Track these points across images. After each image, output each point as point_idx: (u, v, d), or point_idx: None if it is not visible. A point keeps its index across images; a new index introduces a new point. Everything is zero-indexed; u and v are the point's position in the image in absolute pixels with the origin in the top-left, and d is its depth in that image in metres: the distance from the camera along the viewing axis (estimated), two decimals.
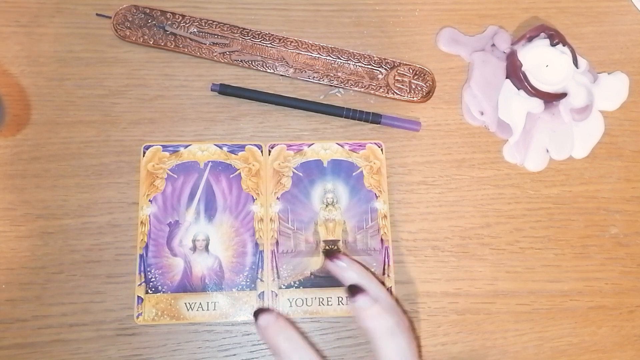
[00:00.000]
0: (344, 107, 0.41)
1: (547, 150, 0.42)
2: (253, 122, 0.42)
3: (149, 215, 0.39)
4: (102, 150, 0.40)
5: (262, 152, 0.41)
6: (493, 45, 0.44)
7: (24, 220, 0.38)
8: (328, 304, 0.38)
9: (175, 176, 0.40)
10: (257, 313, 0.33)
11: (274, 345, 0.32)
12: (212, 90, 0.41)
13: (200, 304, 0.38)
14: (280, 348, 0.32)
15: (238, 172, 0.40)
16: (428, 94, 0.43)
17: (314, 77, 0.42)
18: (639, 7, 0.47)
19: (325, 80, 0.42)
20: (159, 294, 0.37)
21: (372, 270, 0.39)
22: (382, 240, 0.40)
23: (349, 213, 0.40)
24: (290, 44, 0.43)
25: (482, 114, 0.42)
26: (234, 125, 0.41)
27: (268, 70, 0.42)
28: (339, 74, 0.43)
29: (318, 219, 0.40)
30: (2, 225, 0.38)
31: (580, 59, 0.43)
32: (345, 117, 0.42)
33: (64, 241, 0.38)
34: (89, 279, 0.38)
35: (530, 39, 0.43)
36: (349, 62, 0.43)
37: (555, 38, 0.42)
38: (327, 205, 0.40)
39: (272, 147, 0.41)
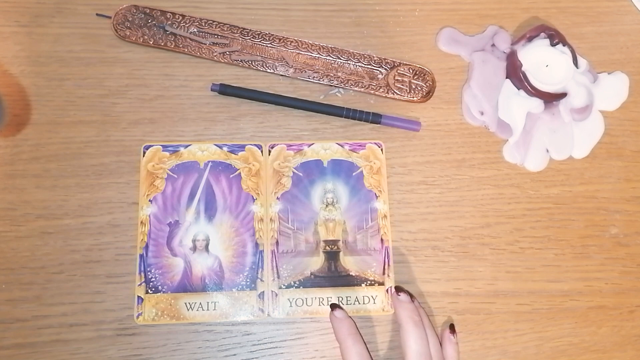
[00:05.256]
0: (344, 107, 0.41)
1: (547, 150, 0.42)
2: (253, 122, 0.42)
3: (149, 215, 0.39)
4: (102, 150, 0.40)
5: (262, 152, 0.41)
6: (493, 45, 0.44)
7: (24, 220, 0.38)
8: (328, 304, 0.38)
9: (175, 176, 0.40)
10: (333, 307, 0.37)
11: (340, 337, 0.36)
12: (212, 90, 0.41)
13: (200, 304, 0.37)
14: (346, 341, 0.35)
15: (238, 172, 0.40)
16: (428, 94, 0.43)
17: (314, 77, 0.42)
18: (639, 7, 0.47)
19: (325, 80, 0.42)
20: (159, 294, 0.37)
21: (372, 270, 0.39)
22: (382, 240, 0.39)
23: (349, 213, 0.40)
24: (290, 44, 0.43)
25: (482, 114, 0.42)
26: (234, 125, 0.41)
27: (268, 70, 0.42)
28: (339, 74, 0.43)
29: (318, 219, 0.40)
30: (2, 225, 0.38)
31: (580, 59, 0.43)
32: (345, 117, 0.42)
33: (64, 241, 0.38)
34: (89, 279, 0.38)
35: (530, 39, 0.43)
36: (349, 62, 0.43)
37: (555, 38, 0.42)
38: (327, 205, 0.40)
39: (272, 147, 0.41)
